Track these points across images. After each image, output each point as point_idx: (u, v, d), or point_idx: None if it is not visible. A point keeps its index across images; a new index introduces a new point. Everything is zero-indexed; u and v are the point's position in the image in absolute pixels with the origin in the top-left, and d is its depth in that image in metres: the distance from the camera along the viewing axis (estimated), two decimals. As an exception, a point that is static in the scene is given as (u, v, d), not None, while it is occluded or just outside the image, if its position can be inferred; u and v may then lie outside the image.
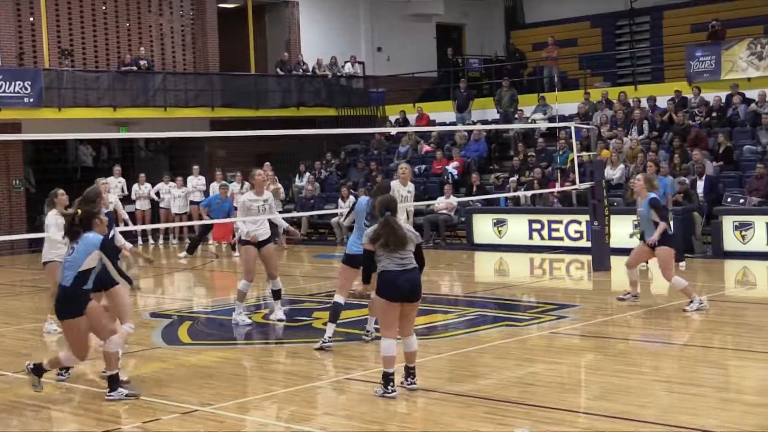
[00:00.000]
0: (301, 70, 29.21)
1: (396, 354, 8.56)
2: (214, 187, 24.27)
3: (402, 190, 12.97)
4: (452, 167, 24.33)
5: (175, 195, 25.01)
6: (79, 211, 8.64)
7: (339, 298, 10.86)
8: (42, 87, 23.86)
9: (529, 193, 21.52)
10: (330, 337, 10.64)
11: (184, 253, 21.62)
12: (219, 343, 11.72)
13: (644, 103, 24.13)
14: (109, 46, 26.95)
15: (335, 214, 23.48)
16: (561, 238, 20.30)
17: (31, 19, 25.70)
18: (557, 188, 20.50)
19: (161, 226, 24.61)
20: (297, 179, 26.77)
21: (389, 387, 8.48)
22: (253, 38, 29.14)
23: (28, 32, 25.67)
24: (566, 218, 20.24)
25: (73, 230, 8.56)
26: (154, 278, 19.20)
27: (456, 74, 29.63)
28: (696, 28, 27.05)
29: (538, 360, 10.14)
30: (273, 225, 13.81)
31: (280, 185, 21.49)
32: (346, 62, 30.24)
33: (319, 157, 28.24)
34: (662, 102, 23.88)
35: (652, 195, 12.58)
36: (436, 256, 19.52)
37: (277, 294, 12.74)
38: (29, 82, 23.71)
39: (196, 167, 25.17)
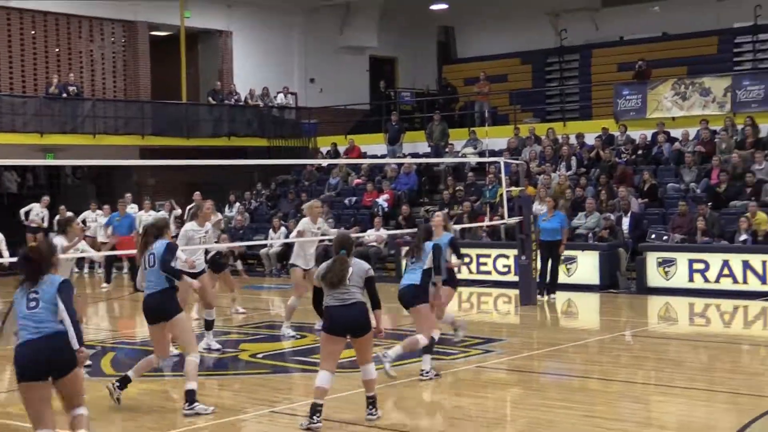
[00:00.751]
0: (233, 100, 29.13)
1: (329, 387, 8.65)
2: (142, 216, 24.14)
3: (312, 227, 13.19)
4: (382, 200, 24.40)
5: (101, 223, 24.65)
6: None
7: (435, 333, 10.89)
8: (-33, 111, 23.56)
9: (458, 227, 21.62)
10: (426, 371, 10.65)
11: (104, 284, 21.47)
12: (143, 375, 11.42)
13: (573, 140, 24.49)
14: (37, 71, 26.63)
15: (264, 245, 23.42)
16: (489, 272, 20.46)
17: (-42, 42, 25.35)
18: (486, 222, 20.70)
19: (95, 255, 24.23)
20: (227, 209, 26.63)
21: (314, 417, 8.49)
22: (186, 67, 28.98)
23: (-47, 55, 25.32)
24: (494, 252, 20.42)
25: None
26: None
27: (388, 107, 29.79)
28: (623, 67, 27.57)
29: (464, 394, 10.16)
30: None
31: (221, 216, 21.43)
32: (278, 93, 30.23)
33: (250, 187, 28.14)
34: (590, 139, 24.26)
35: (451, 235, 11.84)
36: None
37: (209, 324, 12.70)
38: (-46, 107, 23.42)
39: (128, 195, 24.89)
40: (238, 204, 26.51)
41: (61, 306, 7.06)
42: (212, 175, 26.56)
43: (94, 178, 29.11)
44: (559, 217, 17.66)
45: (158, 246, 9.50)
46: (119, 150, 26.15)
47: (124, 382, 9.76)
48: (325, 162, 26.70)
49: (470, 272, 20.57)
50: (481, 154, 25.50)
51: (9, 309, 7.57)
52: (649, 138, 23.46)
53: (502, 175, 19.61)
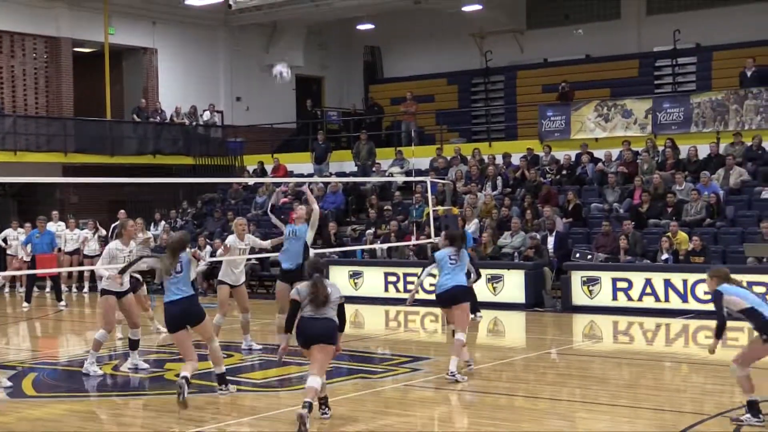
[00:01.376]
0: (158, 118, 28.88)
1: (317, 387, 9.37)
2: (66, 234, 23.88)
3: (240, 243, 13.37)
4: (309, 218, 24.28)
5: (22, 241, 24.20)
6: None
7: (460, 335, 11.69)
8: None
9: (385, 246, 21.74)
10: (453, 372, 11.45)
11: (25, 303, 21.06)
12: (67, 395, 11.38)
13: (499, 160, 24.75)
14: (-43, 86, 26.16)
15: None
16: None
17: None
18: (413, 241, 20.78)
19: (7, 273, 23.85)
20: (152, 227, 26.31)
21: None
22: (110, 84, 28.68)
23: None
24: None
25: None
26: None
27: (315, 126, 29.80)
28: (547, 88, 27.98)
29: (391, 412, 10.21)
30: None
31: (150, 234, 21.24)
32: (204, 110, 30.07)
33: (175, 205, 27.88)
34: (516, 159, 24.55)
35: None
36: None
37: (134, 344, 12.67)
38: None
39: (55, 212, 24.51)
40: (163, 222, 26.22)
41: None
42: (137, 192, 26.37)
43: (15, 195, 28.53)
44: (467, 235, 17.71)
45: (185, 257, 10.45)
46: (41, 167, 25.66)
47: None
48: (251, 180, 26.57)
49: (397, 291, 20.62)
50: (408, 173, 25.62)
51: None
52: (573, 158, 23.82)
53: (429, 194, 19.75)
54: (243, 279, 14.15)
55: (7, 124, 25.51)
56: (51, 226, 23.82)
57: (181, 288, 10.33)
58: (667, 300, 17.97)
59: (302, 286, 9.56)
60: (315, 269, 9.63)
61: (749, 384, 9.10)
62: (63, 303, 21.22)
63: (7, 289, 24.53)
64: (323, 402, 9.74)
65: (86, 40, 28.77)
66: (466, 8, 29.80)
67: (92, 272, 24.53)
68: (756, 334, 9.11)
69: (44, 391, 11.72)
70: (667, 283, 17.95)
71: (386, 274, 21.00)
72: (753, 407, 9.06)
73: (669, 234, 18.91)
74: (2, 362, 13.72)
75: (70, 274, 23.76)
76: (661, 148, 22.78)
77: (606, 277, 18.54)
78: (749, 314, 9.06)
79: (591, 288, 18.64)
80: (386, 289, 20.91)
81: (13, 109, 26.92)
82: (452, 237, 12.16)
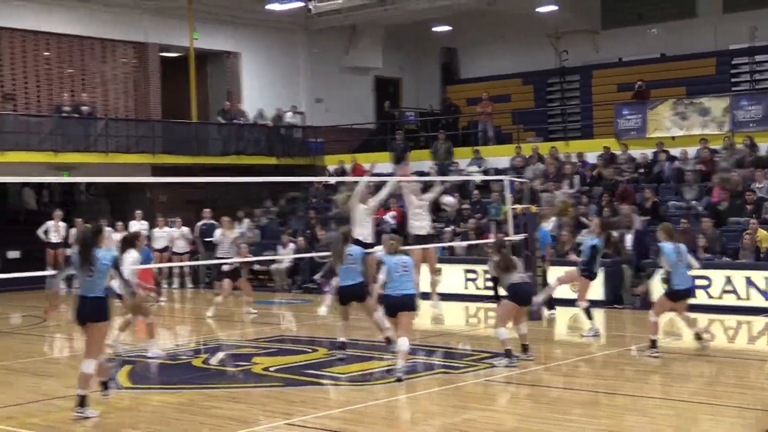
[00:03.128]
0: (242, 119, 29.64)
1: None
2: (156, 232, 24.64)
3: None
4: (389, 216, 24.80)
5: (114, 239, 25.07)
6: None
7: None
8: (-16, 130, 23.99)
9: (464, 243, 22.08)
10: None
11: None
12: (160, 387, 11.68)
13: (574, 158, 24.96)
14: (52, 90, 27.15)
15: (274, 261, 23.90)
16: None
17: (-25, 63, 25.89)
18: (491, 239, 21.06)
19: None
20: (237, 225, 27.04)
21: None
22: (195, 87, 29.44)
23: (-29, 76, 25.86)
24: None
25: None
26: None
27: (393, 126, 30.24)
28: (622, 87, 28.03)
29: (473, 407, 10.28)
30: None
31: (237, 232, 22.04)
32: (286, 112, 30.73)
33: (259, 204, 28.63)
34: (591, 158, 24.74)
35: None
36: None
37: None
38: (-29, 126, 23.83)
39: (138, 212, 25.37)
40: (247, 221, 26.95)
41: None
42: (222, 192, 27.13)
43: (107, 194, 29.57)
44: (541, 232, 18.04)
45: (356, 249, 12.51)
46: (131, 168, 26.62)
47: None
48: (332, 180, 27.17)
49: (476, 288, 21.01)
50: (485, 172, 25.92)
51: None
52: (650, 157, 23.94)
53: (507, 192, 20.07)
54: None
55: (99, 126, 26.37)
56: (134, 225, 24.50)
57: (349, 274, 12.63)
58: (748, 298, 17.99)
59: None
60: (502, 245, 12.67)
61: None
62: (162, 299, 22.03)
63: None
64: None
65: (172, 45, 29.61)
66: (541, 9, 30.07)
67: (181, 268, 25.51)
68: None
69: (139, 383, 12.10)
70: (749, 281, 17.96)
71: (466, 271, 21.41)
72: None
73: (749, 231, 18.94)
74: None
75: (160, 270, 24.44)
76: (739, 146, 22.81)
77: (685, 274, 18.60)
78: None
79: (670, 285, 18.69)
80: (466, 287, 21.29)
81: (104, 113, 27.82)
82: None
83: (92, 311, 9.96)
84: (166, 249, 24.95)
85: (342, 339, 13.22)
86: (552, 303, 17.87)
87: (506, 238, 19.56)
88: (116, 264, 10.24)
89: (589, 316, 15.24)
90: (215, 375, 12.66)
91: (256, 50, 31.40)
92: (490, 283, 15.88)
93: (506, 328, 12.66)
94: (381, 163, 28.09)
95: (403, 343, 11.63)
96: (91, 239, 10.11)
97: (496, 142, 27.88)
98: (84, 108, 26.35)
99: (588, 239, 15.60)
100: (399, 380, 11.42)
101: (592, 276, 15.45)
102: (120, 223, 24.99)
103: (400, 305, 11.81)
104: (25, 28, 26.62)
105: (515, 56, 32.58)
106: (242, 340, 15.64)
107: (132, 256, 13.32)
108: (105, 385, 10.58)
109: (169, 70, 29.78)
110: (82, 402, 9.94)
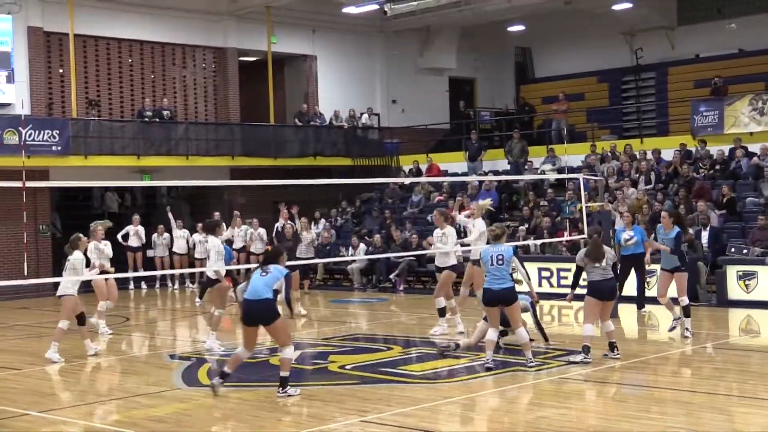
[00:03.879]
0: (318, 121, 30.07)
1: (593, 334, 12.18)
2: (234, 232, 24.90)
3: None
4: (464, 216, 24.81)
5: (197, 240, 25.64)
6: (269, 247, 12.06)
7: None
8: (69, 136, 24.67)
9: (538, 242, 22.11)
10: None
11: (198, 300, 22.23)
12: (238, 385, 11.66)
13: (649, 156, 24.84)
14: (134, 96, 27.90)
15: (351, 261, 24.23)
16: (570, 286, 20.81)
17: (61, 70, 26.64)
18: (566, 237, 21.12)
19: (186, 270, 25.39)
20: (313, 226, 27.47)
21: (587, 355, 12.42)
22: (273, 90, 29.95)
23: (57, 83, 26.61)
24: (575, 266, 20.76)
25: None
26: (172, 321, 19.79)
27: (468, 126, 30.34)
28: (699, 84, 27.84)
29: (547, 405, 10.30)
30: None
31: (313, 233, 22.42)
32: (362, 114, 31.11)
33: (336, 205, 29.02)
34: (667, 154, 24.59)
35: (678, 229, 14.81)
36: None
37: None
38: (57, 131, 24.50)
39: (216, 214, 25.79)
40: (323, 221, 27.35)
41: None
42: (299, 193, 27.51)
43: (187, 197, 30.24)
44: (637, 230, 18.05)
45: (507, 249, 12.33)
46: (211, 170, 27.24)
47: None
48: (407, 180, 27.40)
49: (551, 286, 21.06)
50: (560, 170, 25.88)
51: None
52: (726, 153, 23.72)
53: (582, 190, 20.04)
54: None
55: (179, 130, 27.04)
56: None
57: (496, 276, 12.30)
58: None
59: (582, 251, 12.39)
60: (594, 231, 12.83)
61: None
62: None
63: (176, 286, 26.11)
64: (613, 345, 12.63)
65: (251, 49, 30.14)
66: (617, 7, 29.95)
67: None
68: None
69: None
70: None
71: (540, 269, 21.47)
72: None
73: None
74: (181, 353, 14.64)
75: (238, 270, 24.68)
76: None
77: (763, 271, 18.40)
78: None
79: (747, 282, 18.55)
80: (540, 284, 21.28)
81: (185, 117, 28.52)
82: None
83: (259, 313, 10.79)
84: (243, 249, 25.46)
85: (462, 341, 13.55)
86: (642, 301, 17.85)
87: (579, 236, 19.76)
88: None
89: (687, 314, 14.83)
90: (292, 373, 12.77)
91: (333, 53, 31.84)
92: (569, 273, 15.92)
93: (593, 324, 12.76)
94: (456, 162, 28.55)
95: (521, 334, 12.29)
96: (272, 256, 11.11)
97: (570, 141, 27.82)
98: (165, 112, 27.03)
99: (670, 232, 15.09)
100: (530, 367, 12.17)
101: (687, 268, 15.17)
102: (200, 225, 25.52)
103: (499, 298, 12.20)
104: (110, 36, 27.40)
105: (590, 54, 32.50)
106: (318, 338, 15.87)
107: (214, 242, 14.22)
108: (223, 375, 11.05)
109: (247, 73, 30.34)
110: (283, 383, 10.79)
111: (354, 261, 24.19)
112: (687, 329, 14.58)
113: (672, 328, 14.91)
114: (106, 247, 16.76)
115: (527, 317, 13.58)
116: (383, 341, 15.18)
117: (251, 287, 10.79)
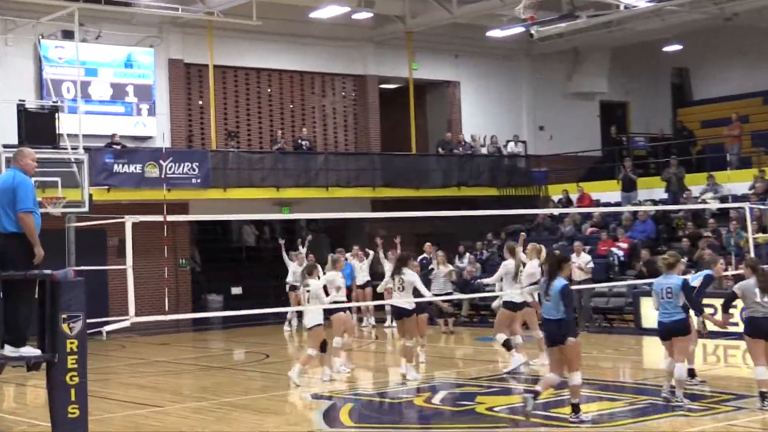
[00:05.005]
0: (461, 150, 29.27)
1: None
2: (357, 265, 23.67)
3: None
4: (618, 249, 23.60)
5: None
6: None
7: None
8: (209, 168, 24.53)
9: (699, 275, 20.53)
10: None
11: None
12: (381, 427, 11.60)
13: (824, 182, 22.99)
14: (273, 127, 27.77)
15: (496, 297, 22.99)
16: (736, 323, 19.18)
17: (200, 102, 26.73)
18: (731, 271, 19.55)
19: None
20: (457, 260, 26.46)
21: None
22: (414, 117, 29.66)
23: (197, 115, 26.77)
24: (730, 292, 19.17)
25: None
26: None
27: (621, 152, 29.33)
28: None
29: None
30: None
31: (451, 267, 21.55)
32: (508, 141, 30.36)
33: (480, 237, 27.97)
34: (844, 181, 22.68)
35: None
36: (602, 340, 19.00)
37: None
38: (197, 164, 24.36)
39: (355, 247, 25.04)
40: (468, 254, 26.34)
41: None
42: (443, 225, 26.62)
43: (327, 230, 29.72)
44: None
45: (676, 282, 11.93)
46: (351, 202, 26.67)
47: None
48: (557, 211, 26.29)
49: (714, 324, 19.40)
50: (723, 199, 24.42)
51: None
52: None
53: (748, 221, 18.56)
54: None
55: (319, 161, 26.71)
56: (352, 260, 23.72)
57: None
58: None
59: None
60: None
61: None
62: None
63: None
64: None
65: (391, 76, 29.93)
66: (784, 21, 28.16)
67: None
68: None
69: (361, 422, 11.93)
70: None
71: (704, 305, 19.82)
72: None
73: None
74: (320, 393, 14.10)
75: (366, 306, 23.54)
76: None
77: None
78: None
79: None
80: (703, 322, 19.71)
81: (324, 147, 28.30)
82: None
83: (554, 334, 11.02)
84: (368, 284, 23.38)
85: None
86: None
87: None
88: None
89: None
90: (437, 414, 12.51)
91: (476, 78, 31.35)
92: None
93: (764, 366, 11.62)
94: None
95: (680, 370, 11.86)
96: (555, 267, 11.15)
97: (737, 167, 26.21)
98: (304, 142, 26.65)
99: None
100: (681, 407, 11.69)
101: None
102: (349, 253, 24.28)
103: (672, 331, 11.96)
104: (249, 66, 27.43)
105: (753, 73, 30.99)
106: (462, 378, 15.38)
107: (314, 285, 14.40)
108: (575, 408, 11.07)
109: (387, 101, 30.04)
110: (576, 409, 10.96)
111: (497, 297, 22.95)
112: None
113: None
114: (338, 278, 15.22)
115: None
116: (532, 381, 14.14)
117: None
